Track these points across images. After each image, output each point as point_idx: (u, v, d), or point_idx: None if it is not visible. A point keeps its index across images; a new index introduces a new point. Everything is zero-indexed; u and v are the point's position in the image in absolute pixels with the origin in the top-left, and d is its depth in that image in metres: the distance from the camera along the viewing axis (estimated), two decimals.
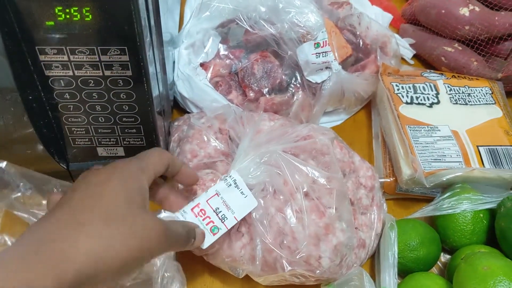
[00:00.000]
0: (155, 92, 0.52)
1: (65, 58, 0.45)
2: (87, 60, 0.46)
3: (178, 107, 0.71)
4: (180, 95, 0.67)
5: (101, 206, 0.36)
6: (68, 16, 0.42)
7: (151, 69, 0.49)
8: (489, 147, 0.61)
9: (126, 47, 0.45)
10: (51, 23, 0.43)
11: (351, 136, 0.72)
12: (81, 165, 0.57)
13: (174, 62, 0.69)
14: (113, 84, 0.48)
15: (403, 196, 0.63)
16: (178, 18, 0.79)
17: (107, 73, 0.47)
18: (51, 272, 0.32)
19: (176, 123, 0.64)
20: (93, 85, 0.48)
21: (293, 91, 0.66)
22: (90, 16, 0.42)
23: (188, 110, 0.69)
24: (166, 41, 0.69)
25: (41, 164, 0.55)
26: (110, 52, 0.45)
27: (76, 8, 0.42)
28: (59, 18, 0.42)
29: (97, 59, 0.46)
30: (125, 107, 0.51)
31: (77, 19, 0.43)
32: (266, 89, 0.65)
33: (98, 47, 0.45)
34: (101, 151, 0.56)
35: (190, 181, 0.49)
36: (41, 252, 0.33)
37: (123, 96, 0.50)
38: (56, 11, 0.42)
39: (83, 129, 0.53)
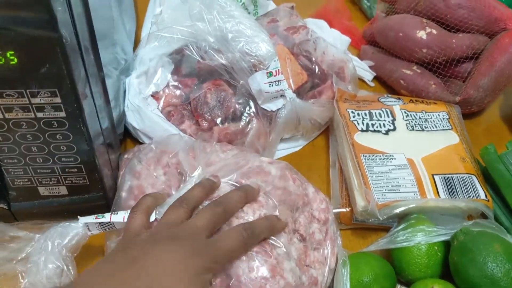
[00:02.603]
0: (95, 129, 0.50)
1: None
2: (17, 103, 0.44)
3: (131, 136, 0.69)
4: (131, 126, 0.65)
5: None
6: None
7: (88, 107, 0.48)
8: (444, 175, 0.60)
9: (56, 89, 0.43)
10: None
11: (309, 162, 0.71)
12: (24, 204, 0.55)
13: (125, 92, 0.67)
14: (47, 125, 0.46)
15: (360, 226, 0.62)
16: (132, 44, 0.78)
17: (40, 115, 0.45)
18: None
19: (126, 156, 0.62)
20: (26, 127, 0.46)
21: (248, 119, 0.64)
22: (16, 59, 0.41)
23: (140, 141, 0.67)
24: (119, 70, 0.68)
25: None
26: (40, 95, 0.44)
27: (0, 52, 0.40)
28: None
29: (27, 102, 0.44)
30: (63, 147, 0.49)
31: (2, 62, 0.41)
32: (220, 119, 0.63)
33: (27, 90, 0.43)
34: (42, 191, 0.54)
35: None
36: None
37: (59, 137, 0.48)
38: None
39: (21, 169, 0.51)
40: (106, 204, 0.56)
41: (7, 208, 0.55)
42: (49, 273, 0.47)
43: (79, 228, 0.49)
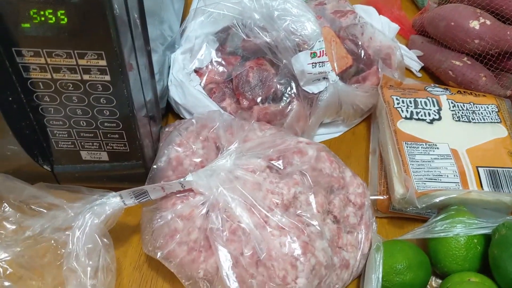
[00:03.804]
0: (138, 98, 0.51)
1: (42, 60, 0.45)
2: (65, 64, 0.45)
3: (173, 112, 0.70)
4: (173, 101, 0.66)
5: None
6: (43, 19, 0.42)
7: (132, 75, 0.48)
8: (490, 168, 0.58)
9: (103, 52, 0.44)
10: (27, 25, 0.42)
11: (349, 149, 0.69)
12: (66, 168, 0.57)
13: (169, 67, 0.68)
14: (92, 88, 0.47)
15: (397, 215, 0.61)
16: (179, 23, 0.78)
17: (86, 77, 0.46)
18: None
19: (166, 129, 0.63)
20: (72, 88, 0.47)
21: (288, 100, 0.64)
22: (66, 19, 0.42)
23: (181, 116, 0.68)
24: (166, 46, 0.69)
25: (25, 167, 0.55)
26: (87, 57, 0.44)
27: (51, 11, 0.41)
28: (35, 21, 0.42)
29: (75, 63, 0.45)
30: (106, 112, 0.50)
31: (52, 21, 0.42)
32: (260, 98, 0.63)
33: (75, 51, 0.44)
34: (84, 155, 0.55)
35: None
36: None
37: (103, 101, 0.49)
38: (31, 13, 0.41)
39: (65, 132, 0.52)
40: (145, 173, 0.57)
41: (50, 170, 0.56)
42: (87, 250, 0.48)
43: (114, 202, 0.50)
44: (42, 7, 0.41)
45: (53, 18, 0.42)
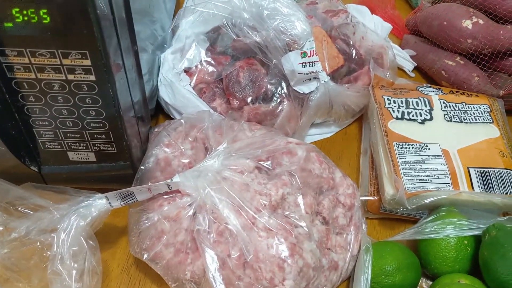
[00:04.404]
0: (125, 98, 0.51)
1: (26, 60, 0.44)
2: (49, 63, 0.45)
3: (163, 112, 0.70)
4: (163, 101, 0.66)
5: None
6: (26, 18, 0.41)
7: (118, 75, 0.48)
8: (481, 169, 0.57)
9: (87, 52, 0.44)
10: (10, 24, 0.42)
11: (340, 149, 0.69)
12: (53, 168, 0.56)
13: (159, 67, 0.67)
14: (78, 88, 0.47)
15: (387, 216, 0.60)
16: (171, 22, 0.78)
17: (70, 77, 0.46)
18: None
19: (156, 129, 0.63)
20: (57, 88, 0.47)
21: (279, 100, 0.63)
22: (48, 18, 0.41)
23: (171, 116, 0.67)
24: (156, 45, 0.68)
25: (12, 168, 0.54)
26: (71, 56, 0.44)
27: (33, 10, 0.41)
28: (17, 20, 0.41)
29: (59, 63, 0.45)
30: (92, 112, 0.49)
31: (35, 21, 0.41)
32: (250, 98, 0.63)
33: (59, 51, 0.44)
34: (72, 156, 0.55)
35: None
36: None
37: (88, 101, 0.48)
38: (14, 12, 0.41)
39: (52, 132, 0.52)
40: (134, 174, 0.56)
41: (37, 170, 0.56)
42: (73, 253, 0.47)
43: (100, 204, 0.49)
44: (25, 6, 0.40)
45: (36, 18, 0.41)
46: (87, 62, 0.44)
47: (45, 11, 0.41)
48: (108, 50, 0.44)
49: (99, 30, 0.42)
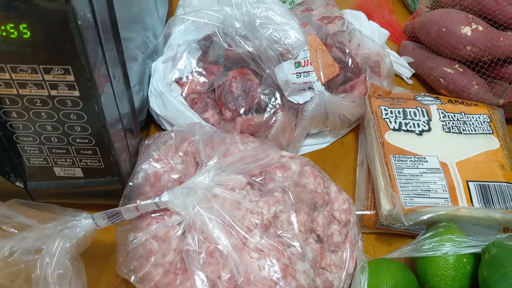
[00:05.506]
0: (111, 112, 0.49)
1: (7, 76, 0.43)
2: (30, 79, 0.43)
3: (155, 122, 0.68)
4: (154, 112, 0.64)
5: None
6: (4, 34, 0.39)
7: (104, 89, 0.46)
8: (480, 182, 0.55)
9: (69, 67, 0.42)
10: None
11: (336, 161, 0.67)
12: (39, 184, 0.54)
13: (150, 77, 0.65)
14: (61, 104, 0.45)
15: (384, 231, 0.58)
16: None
17: (53, 92, 0.44)
18: None
19: (146, 142, 0.61)
20: (40, 104, 0.45)
21: (273, 111, 0.61)
22: (29, 33, 0.39)
23: (163, 128, 0.65)
24: (146, 54, 0.66)
25: None
26: (53, 72, 0.42)
27: (12, 25, 0.39)
28: None
29: (41, 78, 0.43)
30: (77, 128, 0.48)
31: (14, 36, 0.40)
32: (243, 109, 0.61)
33: (40, 66, 0.42)
34: (58, 171, 0.53)
35: None
36: None
37: (73, 117, 0.46)
38: None
39: (36, 148, 0.50)
40: (122, 189, 0.54)
41: (23, 187, 0.54)
42: (57, 276, 0.45)
43: (86, 224, 0.47)
44: (3, 21, 0.39)
45: (16, 32, 0.39)
46: (70, 78, 0.43)
47: (25, 25, 0.39)
48: (92, 64, 0.42)
49: (82, 45, 0.40)
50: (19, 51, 0.41)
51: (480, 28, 0.68)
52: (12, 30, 0.39)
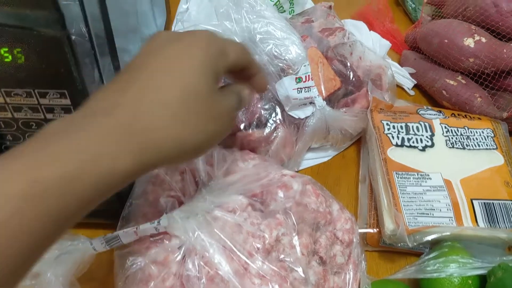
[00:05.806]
0: None
1: (1, 100, 0.41)
2: (25, 103, 0.42)
3: None
4: None
5: (179, 85, 0.34)
6: None
7: None
8: (485, 201, 0.54)
9: (65, 91, 0.41)
10: None
11: (338, 175, 0.66)
12: None
13: None
14: None
15: (388, 249, 0.57)
16: None
17: (49, 116, 0.43)
18: (134, 156, 0.32)
19: None
20: (36, 127, 0.44)
21: (273, 126, 0.60)
22: (23, 57, 0.38)
23: None
24: None
25: None
26: (49, 96, 0.41)
27: (6, 49, 0.38)
28: None
29: (36, 102, 0.42)
30: None
31: (8, 60, 0.38)
32: (243, 124, 0.60)
33: (35, 90, 0.41)
34: None
35: (263, 89, 0.45)
36: (123, 127, 0.31)
37: None
38: None
39: None
40: (121, 207, 0.53)
41: None
42: None
43: (84, 249, 0.46)
44: None
45: (10, 57, 0.38)
46: (67, 102, 0.42)
47: (19, 50, 0.38)
48: (89, 87, 0.41)
49: (77, 68, 0.39)
50: (14, 76, 0.40)
51: (483, 39, 0.67)
52: (6, 54, 0.38)
